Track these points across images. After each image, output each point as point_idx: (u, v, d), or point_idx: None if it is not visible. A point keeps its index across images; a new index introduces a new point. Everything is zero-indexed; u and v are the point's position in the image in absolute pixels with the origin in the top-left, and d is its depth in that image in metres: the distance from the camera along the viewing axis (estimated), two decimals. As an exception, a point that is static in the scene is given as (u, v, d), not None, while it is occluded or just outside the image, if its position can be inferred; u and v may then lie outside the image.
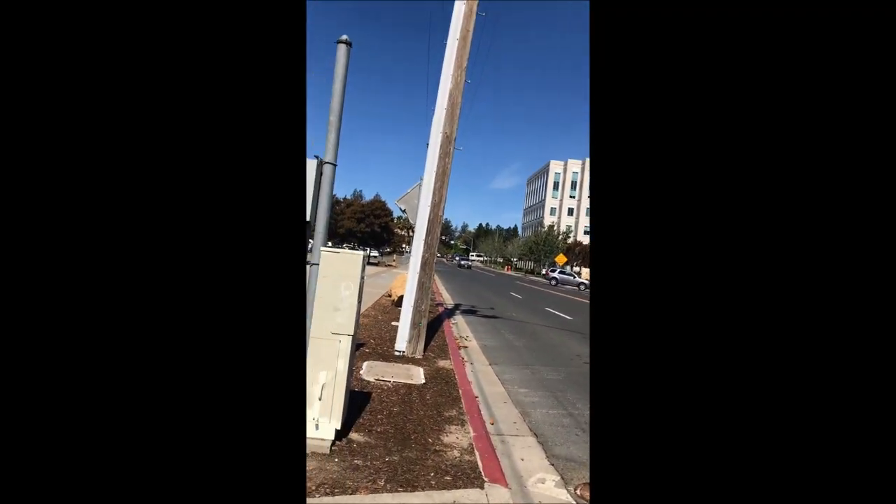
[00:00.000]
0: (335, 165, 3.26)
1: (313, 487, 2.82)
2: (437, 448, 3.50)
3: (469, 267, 60.29)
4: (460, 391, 5.02)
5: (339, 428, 3.23)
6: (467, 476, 3.10)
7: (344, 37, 3.13)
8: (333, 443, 3.23)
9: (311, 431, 3.18)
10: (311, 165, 3.12)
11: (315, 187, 3.20)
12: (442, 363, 6.24)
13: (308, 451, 3.15)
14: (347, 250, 3.28)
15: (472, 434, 3.82)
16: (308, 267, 3.39)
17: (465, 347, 7.60)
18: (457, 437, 3.75)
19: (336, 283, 3.19)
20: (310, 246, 3.44)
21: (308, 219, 3.18)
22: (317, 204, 3.28)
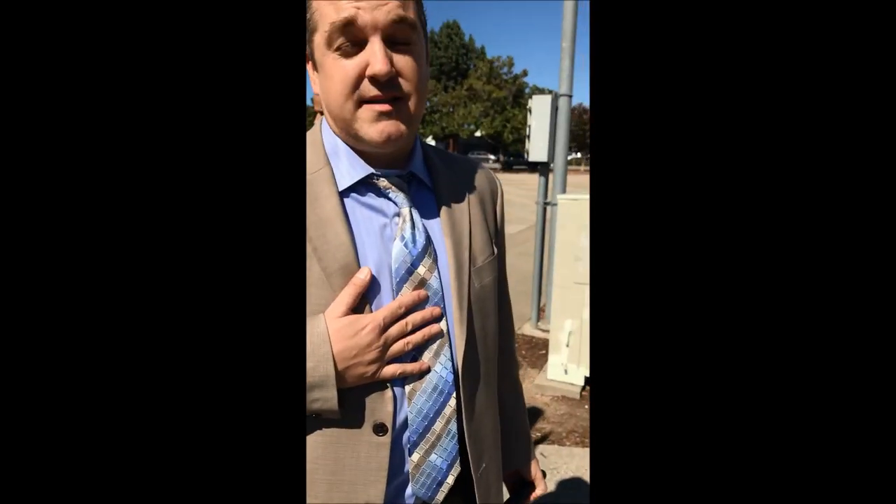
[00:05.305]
0: (570, 97, 2.86)
1: (564, 434, 2.90)
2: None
3: None
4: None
5: (587, 375, 3.18)
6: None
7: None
8: (583, 388, 3.23)
9: (560, 376, 3.23)
10: (544, 101, 2.80)
11: (551, 123, 2.89)
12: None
13: (559, 394, 3.22)
14: (585, 196, 2.96)
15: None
16: (547, 208, 3.22)
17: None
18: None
19: (576, 232, 2.94)
20: (550, 185, 3.23)
21: (545, 158, 2.94)
22: (554, 141, 2.98)
